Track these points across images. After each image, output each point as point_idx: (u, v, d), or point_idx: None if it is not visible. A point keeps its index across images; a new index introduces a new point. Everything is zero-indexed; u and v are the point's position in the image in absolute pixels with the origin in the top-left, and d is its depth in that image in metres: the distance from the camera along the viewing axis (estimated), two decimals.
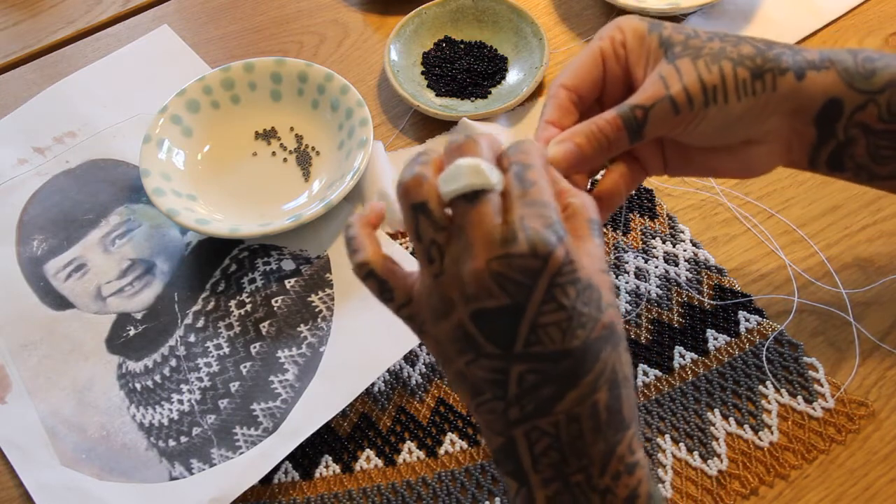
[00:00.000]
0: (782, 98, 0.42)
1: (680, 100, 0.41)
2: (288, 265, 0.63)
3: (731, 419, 0.52)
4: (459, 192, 0.34)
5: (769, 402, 0.52)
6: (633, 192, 0.64)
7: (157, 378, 0.59)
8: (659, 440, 0.52)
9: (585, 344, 0.33)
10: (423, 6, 0.75)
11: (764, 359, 0.54)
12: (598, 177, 0.67)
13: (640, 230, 0.62)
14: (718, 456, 0.51)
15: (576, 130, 0.42)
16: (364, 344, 0.57)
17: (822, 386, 0.52)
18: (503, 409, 0.35)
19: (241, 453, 0.54)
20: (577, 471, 0.34)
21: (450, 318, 0.34)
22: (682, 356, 0.55)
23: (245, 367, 0.58)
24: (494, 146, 0.37)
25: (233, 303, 0.62)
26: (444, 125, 0.70)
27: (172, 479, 0.54)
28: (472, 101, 0.71)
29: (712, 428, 0.52)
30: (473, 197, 0.34)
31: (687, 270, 0.59)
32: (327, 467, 0.54)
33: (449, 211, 0.35)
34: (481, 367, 0.34)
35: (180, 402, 0.57)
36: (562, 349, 0.33)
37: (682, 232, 0.61)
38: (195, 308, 0.62)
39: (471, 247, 0.33)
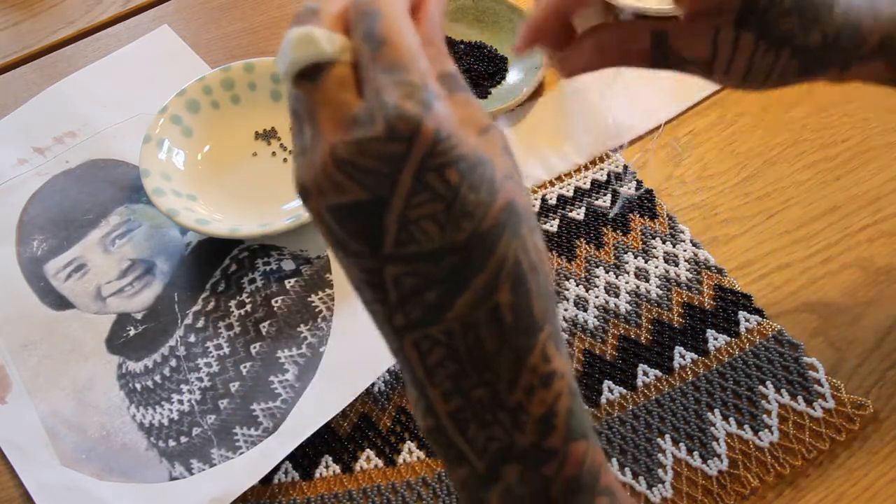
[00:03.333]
0: None
1: None
2: (288, 265, 0.63)
3: (731, 419, 0.52)
4: (293, 71, 0.27)
5: (769, 403, 0.52)
6: (636, 191, 0.64)
7: (157, 378, 0.59)
8: (659, 440, 0.52)
9: (474, 237, 0.27)
10: None
11: (764, 359, 0.54)
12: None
13: (640, 230, 0.62)
14: (718, 456, 0.51)
15: None
16: (364, 344, 0.57)
17: (822, 386, 0.52)
18: (387, 315, 0.29)
19: (241, 453, 0.54)
20: (479, 385, 0.29)
21: (310, 206, 0.28)
22: (682, 356, 0.55)
23: (245, 367, 0.58)
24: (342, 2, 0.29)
25: (233, 303, 0.62)
26: None
27: (172, 479, 0.54)
28: None
29: (712, 428, 0.52)
30: (315, 73, 0.27)
31: (687, 270, 0.59)
32: (327, 467, 0.54)
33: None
34: (354, 266, 0.29)
35: (180, 402, 0.57)
36: (441, 246, 0.27)
37: (682, 232, 0.61)
38: (195, 308, 0.62)
39: (319, 132, 0.27)
